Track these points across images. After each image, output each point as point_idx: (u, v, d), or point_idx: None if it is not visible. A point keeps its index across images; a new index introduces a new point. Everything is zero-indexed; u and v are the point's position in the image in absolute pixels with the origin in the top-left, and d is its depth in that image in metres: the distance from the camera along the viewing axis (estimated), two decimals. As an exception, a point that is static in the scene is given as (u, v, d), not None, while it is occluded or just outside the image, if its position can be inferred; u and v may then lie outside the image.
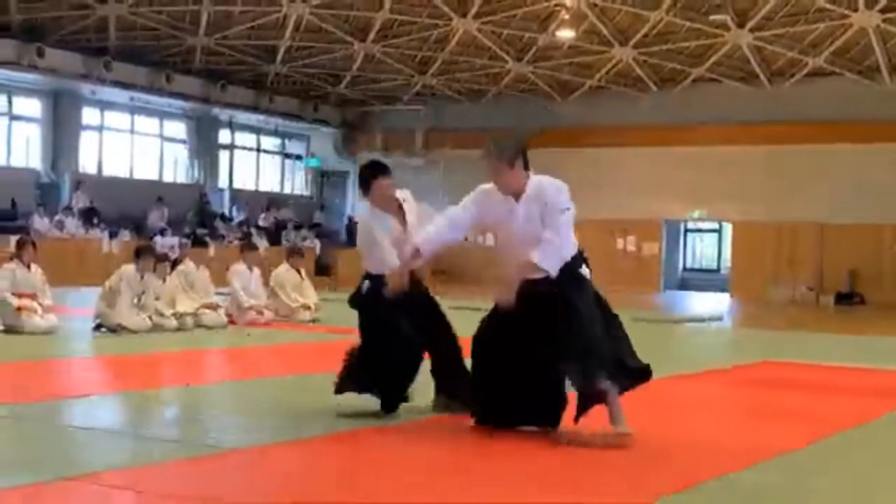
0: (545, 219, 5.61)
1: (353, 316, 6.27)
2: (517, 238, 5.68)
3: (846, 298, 23.79)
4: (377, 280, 6.08)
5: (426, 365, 6.24)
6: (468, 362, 5.91)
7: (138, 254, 11.50)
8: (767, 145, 24.82)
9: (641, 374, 5.67)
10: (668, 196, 26.13)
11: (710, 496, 4.52)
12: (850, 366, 9.92)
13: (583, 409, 5.48)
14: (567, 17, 22.56)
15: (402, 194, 6.36)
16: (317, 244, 26.98)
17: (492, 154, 5.71)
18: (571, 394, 5.59)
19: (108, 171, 26.05)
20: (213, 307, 12.35)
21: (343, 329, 5.63)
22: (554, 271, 5.54)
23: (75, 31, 22.71)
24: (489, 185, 5.81)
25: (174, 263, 12.52)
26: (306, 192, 32.00)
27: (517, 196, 5.69)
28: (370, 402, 6.11)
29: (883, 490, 4.88)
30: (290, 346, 10.91)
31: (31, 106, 24.43)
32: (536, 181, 5.72)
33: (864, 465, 5.43)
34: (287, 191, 31.35)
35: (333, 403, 6.09)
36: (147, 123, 27.01)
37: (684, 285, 29.02)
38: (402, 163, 29.51)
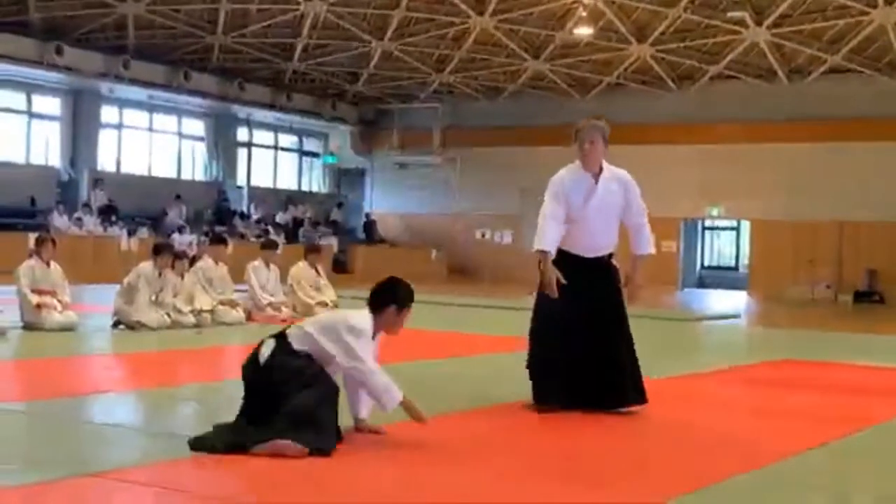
0: (631, 201, 6.34)
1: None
2: (594, 211, 6.20)
3: (865, 297, 23.67)
4: None
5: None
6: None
7: (156, 251, 11.54)
8: (786, 143, 24.70)
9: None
10: (685, 194, 26.06)
11: (721, 497, 4.49)
12: (868, 364, 9.85)
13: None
14: (584, 14, 22.51)
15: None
16: (334, 241, 27.04)
17: (600, 131, 6.24)
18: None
19: (126, 169, 26.20)
20: (232, 304, 12.40)
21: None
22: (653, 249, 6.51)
23: (94, 30, 22.84)
24: (562, 173, 6.28)
25: (192, 260, 12.56)
26: (324, 190, 32.08)
27: (596, 174, 6.25)
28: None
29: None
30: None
31: (50, 104, 24.59)
32: (604, 164, 6.34)
33: (880, 465, 5.39)
34: (304, 188, 31.44)
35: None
36: (165, 121, 27.14)
37: (702, 283, 28.97)
38: (419, 160, 29.61)
